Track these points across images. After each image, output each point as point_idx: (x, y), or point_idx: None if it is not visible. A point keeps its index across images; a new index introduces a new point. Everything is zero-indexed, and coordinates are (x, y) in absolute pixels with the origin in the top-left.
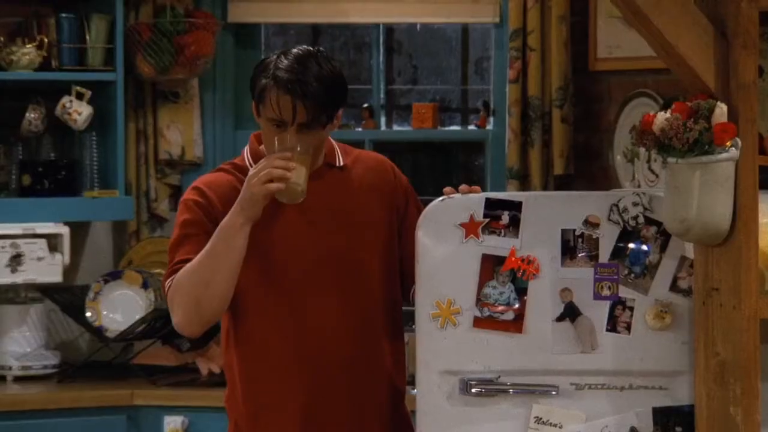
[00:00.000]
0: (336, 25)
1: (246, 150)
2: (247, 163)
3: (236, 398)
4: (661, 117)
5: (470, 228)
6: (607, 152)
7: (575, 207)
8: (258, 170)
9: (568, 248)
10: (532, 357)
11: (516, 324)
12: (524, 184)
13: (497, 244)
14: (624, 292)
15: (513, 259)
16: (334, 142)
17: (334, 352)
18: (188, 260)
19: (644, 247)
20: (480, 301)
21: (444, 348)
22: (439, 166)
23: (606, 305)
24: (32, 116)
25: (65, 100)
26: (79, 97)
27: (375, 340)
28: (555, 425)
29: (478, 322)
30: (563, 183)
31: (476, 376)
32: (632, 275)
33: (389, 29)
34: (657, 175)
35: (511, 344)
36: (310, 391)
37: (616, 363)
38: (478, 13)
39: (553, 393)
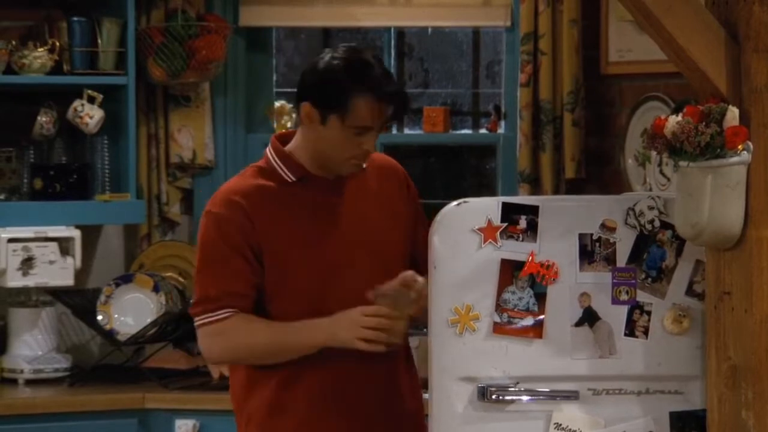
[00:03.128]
0: (347, 28)
1: (270, 151)
2: (275, 164)
3: (255, 393)
4: (673, 121)
5: (488, 233)
6: (619, 156)
7: (591, 211)
8: (364, 322)
9: (586, 253)
10: (551, 362)
11: (536, 329)
12: (535, 188)
13: (516, 249)
14: (641, 297)
15: (532, 264)
16: None
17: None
18: (227, 292)
19: (660, 251)
20: (499, 306)
21: (462, 354)
22: (450, 170)
23: (624, 310)
24: (44, 120)
25: (77, 103)
26: (91, 100)
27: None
28: (575, 431)
29: (498, 328)
30: (574, 187)
31: (495, 383)
32: (649, 279)
33: (400, 33)
34: (668, 179)
35: (530, 350)
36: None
37: (634, 368)
38: (489, 16)
39: (572, 399)
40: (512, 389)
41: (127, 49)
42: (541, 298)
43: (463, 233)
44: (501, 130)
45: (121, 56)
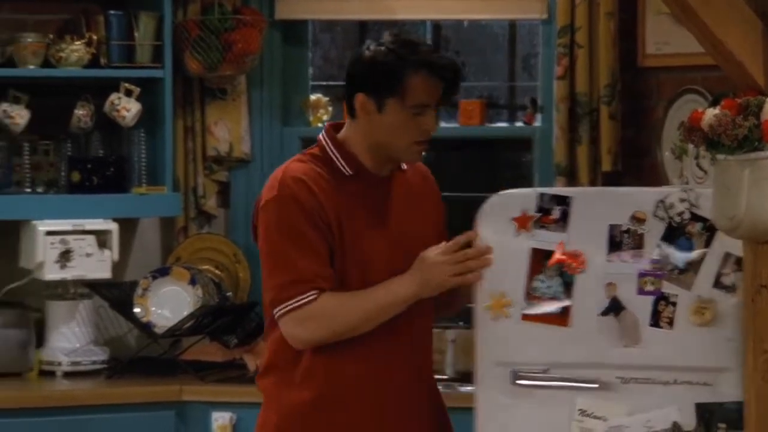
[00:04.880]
0: (383, 21)
1: (326, 141)
2: (331, 155)
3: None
4: (710, 113)
5: (522, 222)
6: (656, 149)
7: (623, 203)
8: (450, 260)
9: (615, 243)
10: (577, 350)
11: (562, 317)
12: (572, 181)
13: (546, 239)
14: (667, 288)
15: (559, 253)
16: None
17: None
18: (309, 273)
19: (689, 244)
20: (529, 294)
21: (496, 340)
22: (487, 163)
23: (649, 300)
24: (81, 113)
25: (114, 97)
26: (128, 94)
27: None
28: (599, 418)
29: (527, 315)
30: (611, 179)
31: (525, 368)
32: (676, 271)
33: (436, 26)
34: (705, 172)
35: (558, 337)
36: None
37: (660, 358)
38: (525, 9)
39: (598, 386)
40: (540, 375)
41: (163, 42)
42: (569, 286)
43: (502, 222)
44: (537, 123)
45: (157, 49)
